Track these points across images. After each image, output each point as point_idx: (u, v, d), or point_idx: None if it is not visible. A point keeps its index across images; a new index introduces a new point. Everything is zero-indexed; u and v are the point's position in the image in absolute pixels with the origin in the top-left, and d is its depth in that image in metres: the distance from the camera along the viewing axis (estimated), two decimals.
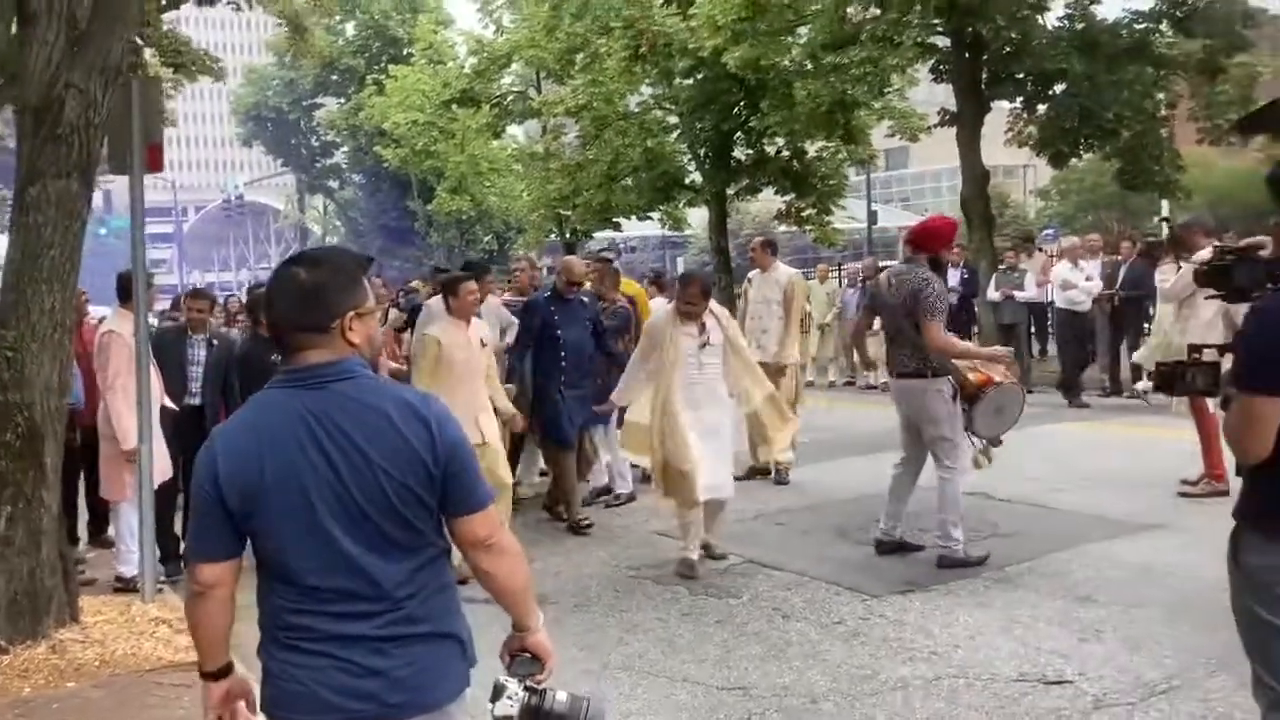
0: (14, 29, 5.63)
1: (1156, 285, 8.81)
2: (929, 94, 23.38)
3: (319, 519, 2.14)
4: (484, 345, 6.61)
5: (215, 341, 7.20)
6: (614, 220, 25.88)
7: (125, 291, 6.50)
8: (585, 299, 7.95)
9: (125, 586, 6.30)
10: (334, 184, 49.24)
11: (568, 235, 28.20)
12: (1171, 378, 3.12)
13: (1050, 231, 20.31)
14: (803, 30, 18.68)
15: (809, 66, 17.23)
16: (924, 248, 6.15)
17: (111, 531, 7.12)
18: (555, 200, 25.59)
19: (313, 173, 49.51)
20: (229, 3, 18.33)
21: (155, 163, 5.90)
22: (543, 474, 8.75)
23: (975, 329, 14.99)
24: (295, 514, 2.15)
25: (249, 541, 2.22)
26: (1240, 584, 2.73)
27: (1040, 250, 16.03)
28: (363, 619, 2.17)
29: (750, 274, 9.04)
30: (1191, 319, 7.04)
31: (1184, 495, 7.27)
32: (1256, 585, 2.67)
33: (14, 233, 5.31)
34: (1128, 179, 16.73)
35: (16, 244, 5.29)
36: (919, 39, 15.59)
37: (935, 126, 18.09)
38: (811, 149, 21.97)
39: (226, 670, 2.30)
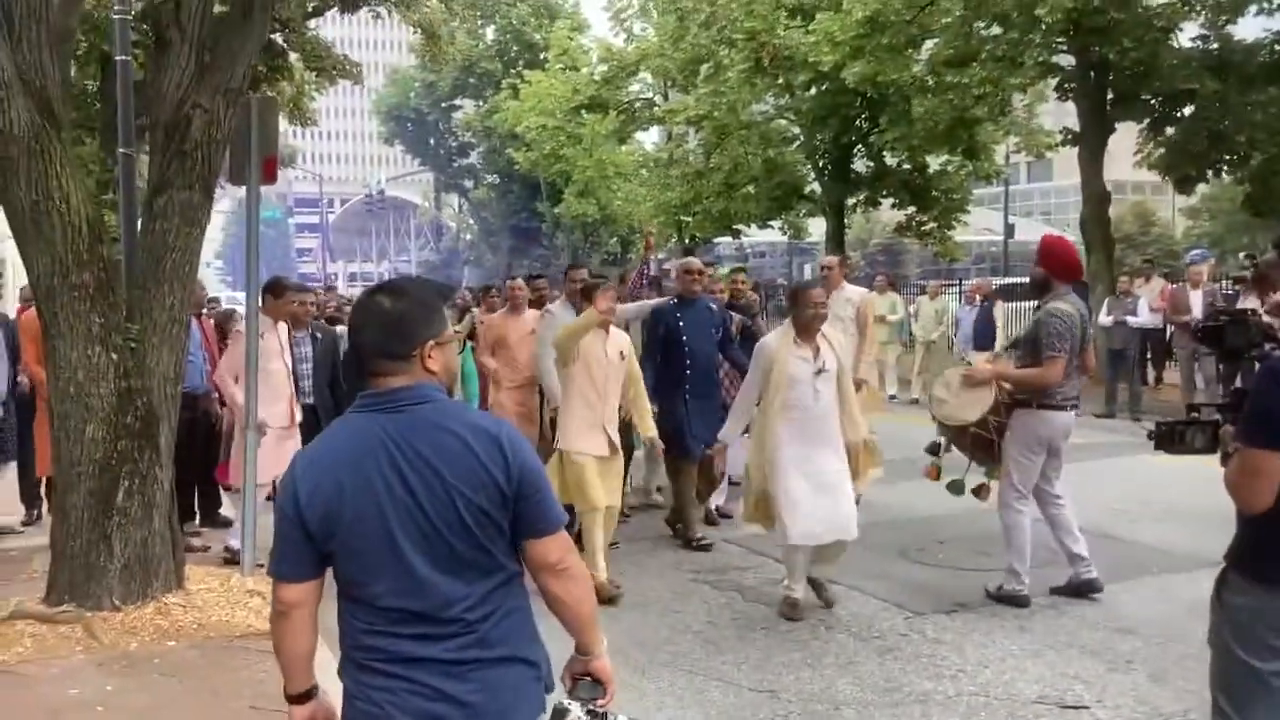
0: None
1: None
2: (1059, 109, 23.00)
3: (395, 541, 2.20)
4: (623, 358, 6.42)
5: (319, 336, 7.60)
6: (734, 227, 26.18)
7: (271, 292, 7.15)
8: (712, 305, 7.70)
9: (232, 558, 6.89)
10: (468, 183, 50.75)
11: (688, 240, 28.61)
12: (1170, 437, 3.10)
13: (1199, 252, 19.59)
14: (928, 43, 18.67)
15: (930, 82, 17.22)
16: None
17: (231, 511, 7.78)
18: (676, 206, 26.02)
19: (449, 172, 51.15)
20: (370, 10, 19.34)
21: (270, 175, 6.48)
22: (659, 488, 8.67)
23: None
24: (372, 536, 2.21)
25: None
26: (1219, 620, 2.85)
27: (1160, 275, 15.66)
28: (434, 641, 2.22)
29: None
30: None
31: None
32: (1235, 623, 2.78)
33: (142, 237, 5.93)
34: (1258, 204, 16.20)
35: (144, 248, 5.91)
36: (1041, 58, 15.40)
37: (1059, 145, 17.83)
38: (934, 163, 21.87)
39: (310, 694, 2.36)
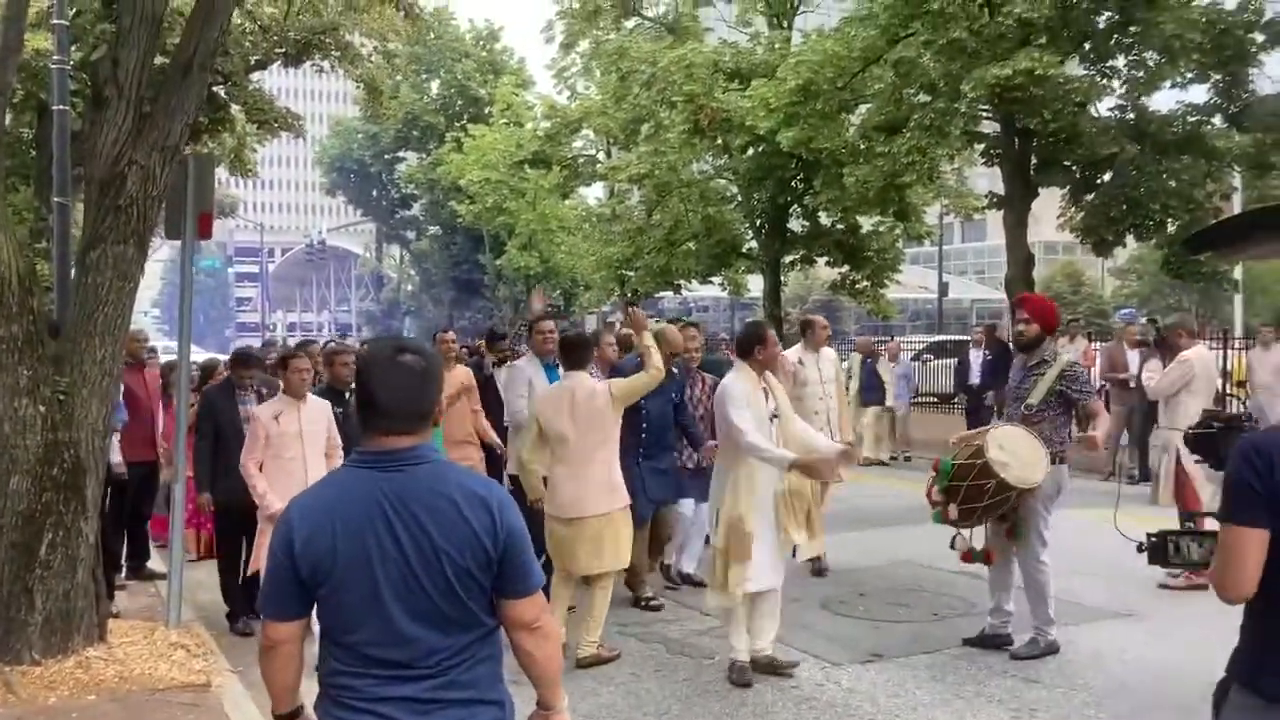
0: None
1: (1143, 381, 9.00)
2: (991, 172, 23.76)
3: (381, 596, 2.31)
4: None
5: (264, 391, 7.16)
6: (674, 283, 26.53)
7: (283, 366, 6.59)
8: (674, 369, 7.36)
9: None
10: (410, 234, 50.82)
11: (629, 295, 28.91)
12: (1163, 549, 3.02)
13: (1128, 311, 20.05)
14: (861, 108, 19.23)
15: (861, 148, 17.72)
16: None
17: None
18: (618, 261, 26.31)
19: (391, 223, 51.24)
20: (313, 65, 19.48)
21: (205, 231, 6.57)
22: None
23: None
24: (359, 589, 2.32)
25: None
26: None
27: (1085, 336, 16.17)
28: (407, 682, 2.34)
29: (798, 353, 8.15)
30: (1177, 414, 7.32)
31: (1164, 587, 7.47)
32: None
33: (74, 291, 5.99)
34: (1176, 268, 16.83)
35: (76, 300, 5.96)
36: (966, 127, 15.96)
37: (985, 208, 18.40)
38: (866, 223, 22.40)
39: (295, 714, 2.53)
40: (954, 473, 5.81)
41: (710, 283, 27.53)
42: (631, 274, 26.60)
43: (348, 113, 50.07)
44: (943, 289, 44.84)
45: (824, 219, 22.32)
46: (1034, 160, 16.89)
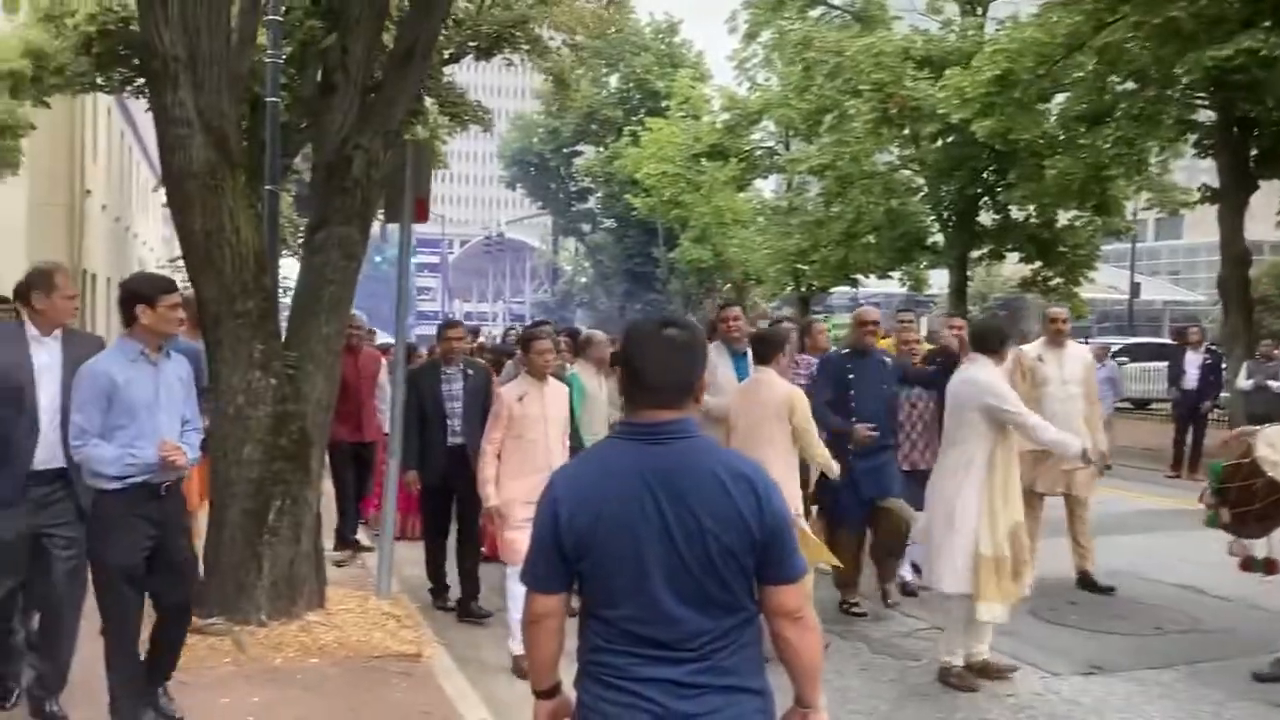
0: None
1: None
2: (1191, 164, 22.40)
3: (646, 572, 2.28)
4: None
5: (471, 372, 6.94)
6: (851, 277, 26.06)
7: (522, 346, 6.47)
8: (886, 358, 7.03)
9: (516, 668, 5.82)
10: (586, 227, 51.57)
11: (804, 289, 28.56)
12: None
13: None
14: (1059, 97, 18.40)
15: (1061, 137, 16.96)
16: None
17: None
18: (793, 255, 26.02)
19: (568, 216, 52.08)
20: (503, 59, 19.95)
21: (422, 214, 6.75)
22: None
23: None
24: (624, 564, 2.30)
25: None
26: None
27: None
28: (669, 664, 2.29)
29: (1038, 349, 7.57)
30: None
31: None
32: None
33: (302, 270, 6.24)
34: None
35: (303, 279, 6.22)
36: (1180, 115, 15.03)
37: (1196, 203, 17.32)
38: (1062, 217, 21.46)
39: (554, 690, 2.51)
40: (1223, 474, 5.45)
41: (889, 277, 26.92)
42: (807, 268, 26.28)
43: (528, 108, 51.24)
44: (1134, 289, 42.66)
45: (1016, 213, 21.49)
46: (1254, 151, 15.80)
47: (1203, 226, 40.54)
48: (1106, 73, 16.31)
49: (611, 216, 45.30)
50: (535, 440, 5.75)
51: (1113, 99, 15.90)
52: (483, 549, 7.06)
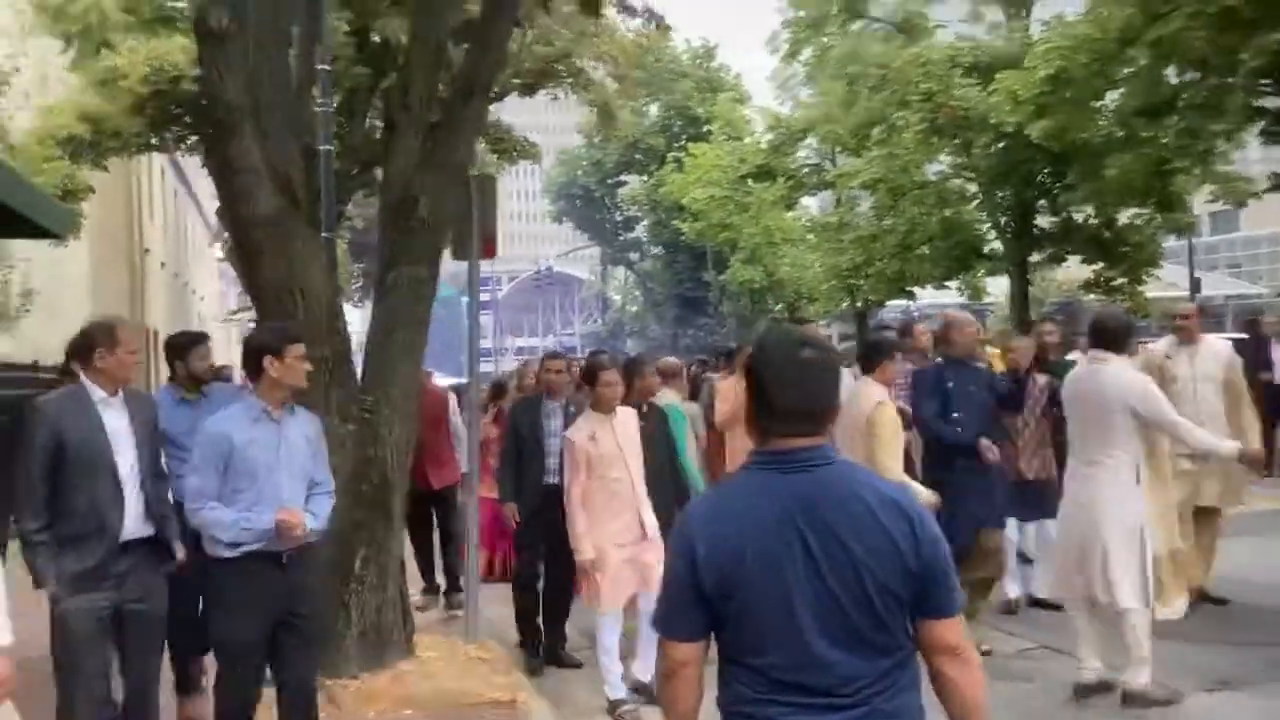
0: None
1: None
2: (1260, 153, 21.81)
3: (794, 613, 2.12)
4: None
5: (573, 409, 6.52)
6: (908, 289, 25.72)
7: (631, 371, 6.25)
8: (982, 364, 6.76)
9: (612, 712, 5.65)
10: (634, 256, 51.58)
11: (859, 305, 28.23)
12: None
13: None
14: (1111, 95, 18.02)
15: (1120, 134, 16.57)
16: None
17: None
18: (847, 270, 25.73)
19: (615, 245, 52.14)
20: (547, 93, 20.00)
21: (489, 250, 6.66)
22: None
23: None
24: (771, 605, 2.13)
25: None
26: None
27: None
28: (827, 712, 2.13)
29: (1166, 346, 7.32)
30: None
31: None
32: None
33: (375, 312, 6.16)
34: None
35: (376, 322, 6.13)
36: (1245, 102, 14.59)
37: (1266, 191, 16.80)
38: (1123, 216, 20.98)
39: None
40: None
41: (946, 287, 26.53)
42: (862, 282, 25.96)
43: (570, 143, 51.46)
44: (1194, 285, 41.74)
45: (1075, 215, 21.05)
46: None
47: (1261, 217, 39.60)
48: (1162, 65, 15.93)
49: (659, 243, 45.24)
50: (620, 478, 5.52)
51: (1172, 90, 15.48)
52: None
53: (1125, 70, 16.58)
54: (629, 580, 5.55)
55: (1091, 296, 24.57)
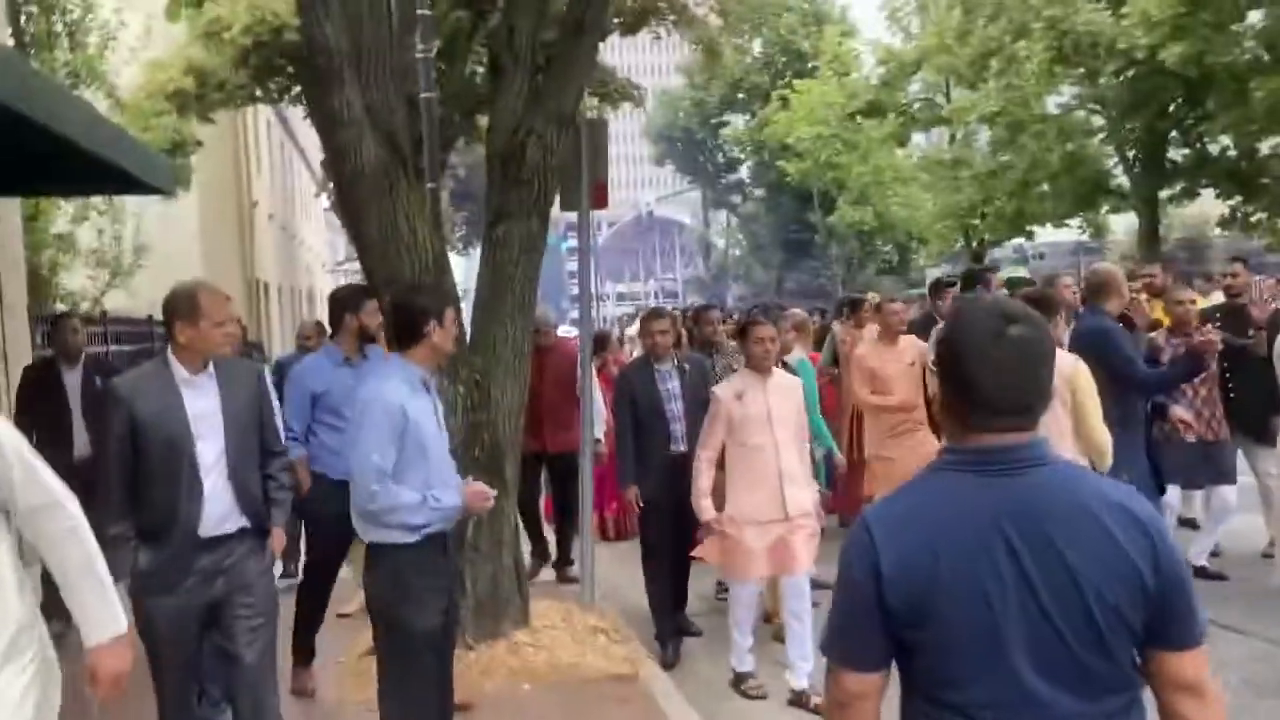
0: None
1: None
2: None
3: (1002, 642, 1.78)
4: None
5: (687, 367, 6.02)
6: (1027, 229, 24.70)
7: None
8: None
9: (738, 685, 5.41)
10: (736, 199, 50.78)
11: (974, 245, 27.21)
12: None
13: None
14: (1254, 15, 16.77)
15: (1266, 59, 15.39)
16: None
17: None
18: (964, 210, 24.79)
19: (717, 188, 51.40)
20: (650, 32, 19.47)
21: (601, 200, 6.30)
22: None
23: None
24: (972, 634, 1.79)
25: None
26: None
27: None
28: None
29: None
30: None
31: None
32: None
33: (483, 268, 5.87)
34: None
35: (484, 278, 5.84)
36: None
37: None
38: (1264, 146, 19.65)
39: None
40: None
41: (1067, 225, 25.35)
42: (978, 222, 24.99)
43: (671, 83, 50.67)
44: None
45: (1210, 146, 19.78)
46: None
47: None
48: None
49: (763, 185, 44.38)
50: (761, 446, 5.06)
51: None
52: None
53: None
54: (765, 560, 5.13)
55: (1221, 232, 23.28)
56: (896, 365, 6.62)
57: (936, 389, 1.93)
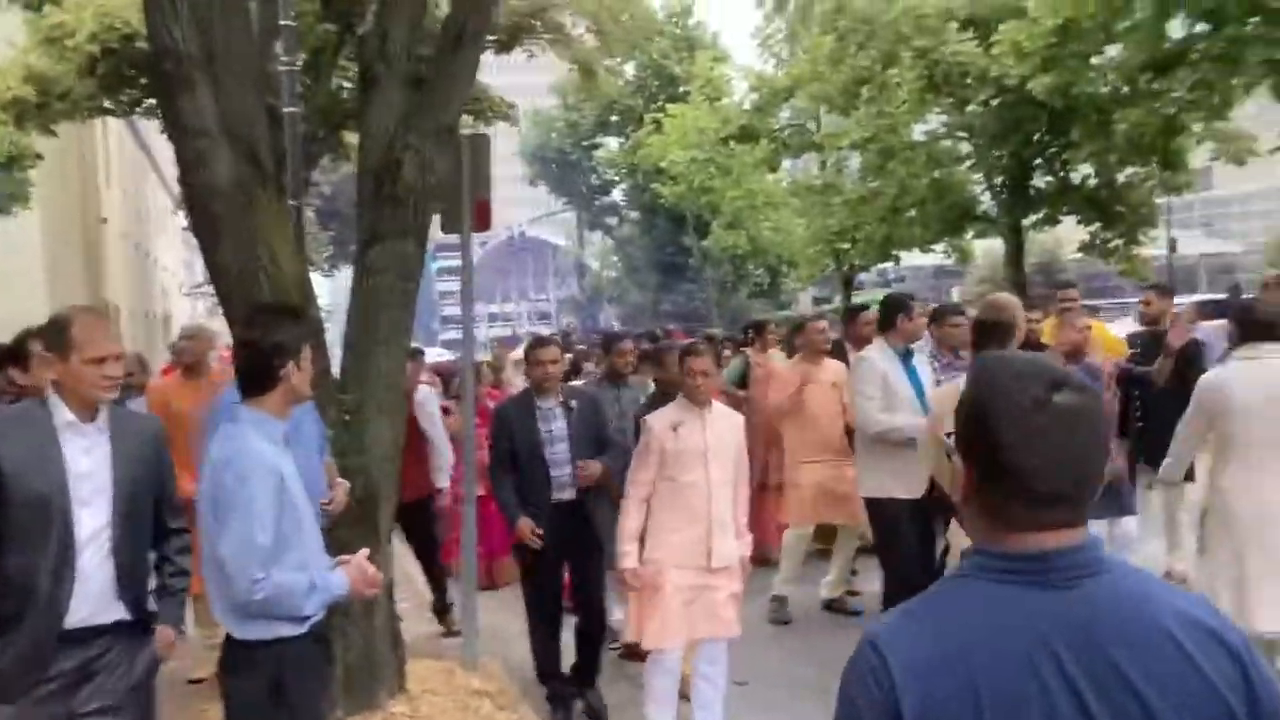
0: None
1: None
2: (1255, 110, 21.23)
3: None
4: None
5: (574, 404, 5.41)
6: (894, 254, 25.12)
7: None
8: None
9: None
10: (612, 220, 50.63)
11: (844, 269, 27.55)
12: None
13: None
14: (1112, 50, 17.31)
15: (1125, 91, 15.88)
16: None
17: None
18: (835, 234, 25.04)
19: (592, 210, 51.16)
20: (523, 50, 19.06)
21: (483, 221, 5.84)
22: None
23: None
24: None
25: None
26: None
27: None
28: None
29: None
30: None
31: None
32: None
33: (354, 295, 5.33)
34: None
35: (356, 307, 5.31)
36: (1266, 55, 13.90)
37: (1276, 150, 16.14)
38: (1121, 175, 20.37)
39: None
40: None
41: (932, 250, 25.88)
42: (849, 246, 25.26)
43: (543, 104, 50.18)
44: (1172, 244, 41.30)
45: (1073, 174, 20.40)
46: None
47: (1235, 175, 38.97)
48: (1165, 17, 15.25)
49: (638, 208, 44.32)
50: (694, 483, 4.61)
51: (1183, 43, 14.79)
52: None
53: (1131, 18, 15.87)
54: (687, 617, 4.64)
55: (1074, 256, 24.02)
56: (820, 385, 6.54)
57: (955, 471, 1.52)
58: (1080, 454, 1.45)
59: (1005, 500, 1.46)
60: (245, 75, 4.88)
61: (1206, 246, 65.83)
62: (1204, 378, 4.53)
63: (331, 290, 42.23)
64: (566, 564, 5.41)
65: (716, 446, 4.65)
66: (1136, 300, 21.79)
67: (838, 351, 7.03)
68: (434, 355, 25.03)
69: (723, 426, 4.75)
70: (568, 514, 5.21)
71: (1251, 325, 4.44)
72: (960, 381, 4.68)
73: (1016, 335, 4.82)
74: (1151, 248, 41.87)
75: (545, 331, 30.00)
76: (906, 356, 5.60)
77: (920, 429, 5.34)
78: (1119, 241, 21.43)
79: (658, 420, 4.75)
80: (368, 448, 5.09)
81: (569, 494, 5.28)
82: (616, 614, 6.04)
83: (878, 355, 5.60)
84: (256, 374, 3.06)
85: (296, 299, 4.90)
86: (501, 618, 6.84)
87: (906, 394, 5.45)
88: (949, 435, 1.55)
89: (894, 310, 5.53)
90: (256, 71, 5.16)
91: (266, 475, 2.89)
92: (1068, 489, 1.45)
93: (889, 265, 30.75)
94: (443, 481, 6.90)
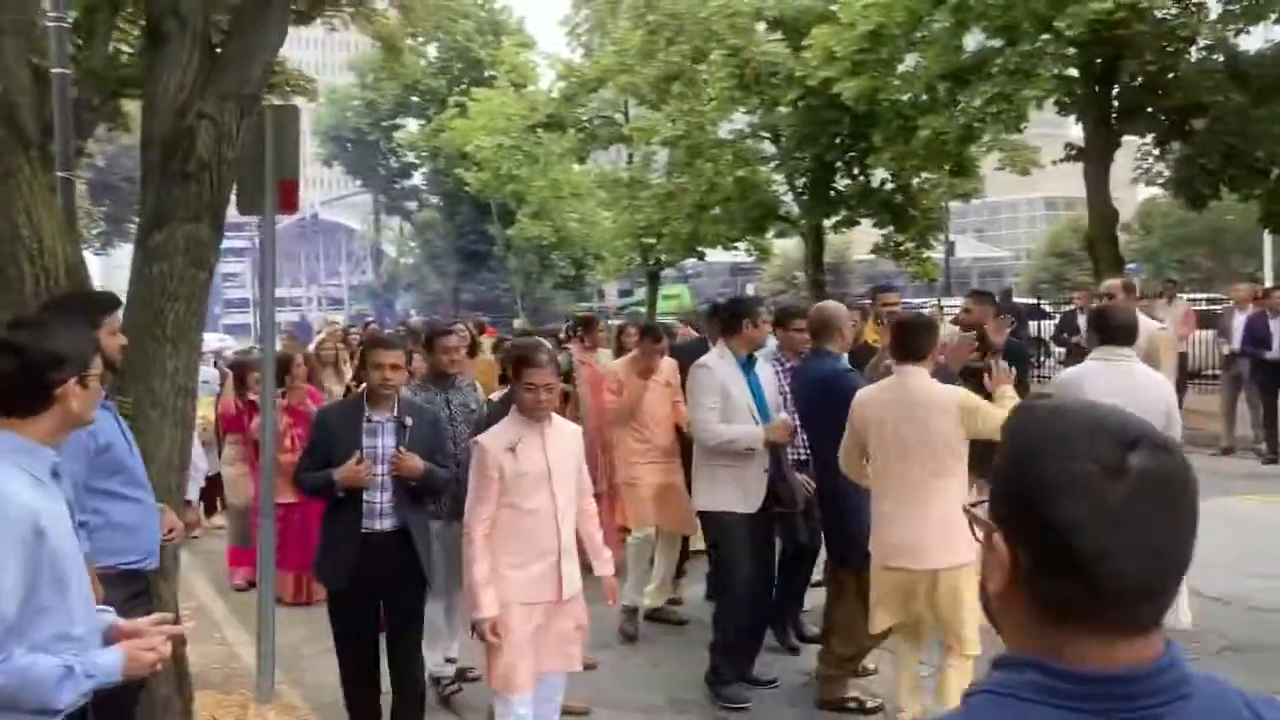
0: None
1: None
2: (1037, 124, 22.54)
3: None
4: None
5: (409, 422, 4.56)
6: (700, 250, 25.35)
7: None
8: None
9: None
10: (411, 205, 49.24)
11: (650, 264, 27.62)
12: None
13: (1132, 266, 19.24)
14: (910, 59, 17.91)
15: (924, 99, 16.43)
16: None
17: None
18: (642, 229, 25.03)
19: (390, 193, 49.59)
20: (324, 22, 18.05)
21: (289, 202, 5.24)
22: None
23: None
24: None
25: None
26: None
27: (1181, 296, 14.92)
28: None
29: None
30: None
31: None
32: None
33: (136, 283, 4.64)
34: (1274, 221, 15.58)
35: (138, 297, 4.61)
36: (1057, 71, 14.65)
37: (1061, 161, 17.11)
38: (915, 180, 21.18)
39: None
40: None
41: (735, 248, 26.27)
42: (656, 241, 25.32)
43: (340, 81, 48.24)
44: (950, 248, 43.58)
45: (872, 178, 21.08)
46: (1116, 107, 15.61)
47: (1002, 185, 41.35)
48: (962, 30, 15.90)
49: (439, 193, 43.23)
50: (538, 510, 4.06)
51: (982, 55, 15.42)
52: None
53: (930, 29, 16.45)
54: (537, 655, 4.13)
55: (867, 258, 24.92)
56: (655, 383, 6.40)
57: (997, 560, 1.16)
58: (1171, 535, 1.09)
59: (1074, 603, 1.10)
60: (4, 35, 4.15)
61: (979, 251, 70.28)
62: (1062, 374, 4.78)
63: (104, 271, 39.21)
64: (381, 605, 4.64)
65: (559, 467, 4.14)
66: (919, 301, 22.71)
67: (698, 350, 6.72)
68: (214, 341, 23.34)
69: (564, 442, 4.23)
70: (383, 546, 4.46)
71: (1106, 330, 4.82)
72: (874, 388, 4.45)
73: (846, 336, 4.96)
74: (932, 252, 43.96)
75: (338, 318, 28.62)
76: (748, 364, 5.36)
77: (757, 439, 5.14)
78: (911, 244, 22.32)
79: (491, 440, 4.14)
80: (149, 456, 4.42)
81: (389, 523, 4.49)
82: (453, 649, 5.53)
83: (717, 362, 5.32)
84: (22, 389, 2.41)
85: (66, 283, 4.23)
86: (310, 630, 6.19)
87: (746, 402, 5.20)
88: (976, 504, 1.21)
89: (739, 315, 5.28)
90: (17, 32, 4.41)
91: (15, 526, 2.24)
92: (1156, 583, 1.09)
93: (689, 261, 31.10)
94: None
